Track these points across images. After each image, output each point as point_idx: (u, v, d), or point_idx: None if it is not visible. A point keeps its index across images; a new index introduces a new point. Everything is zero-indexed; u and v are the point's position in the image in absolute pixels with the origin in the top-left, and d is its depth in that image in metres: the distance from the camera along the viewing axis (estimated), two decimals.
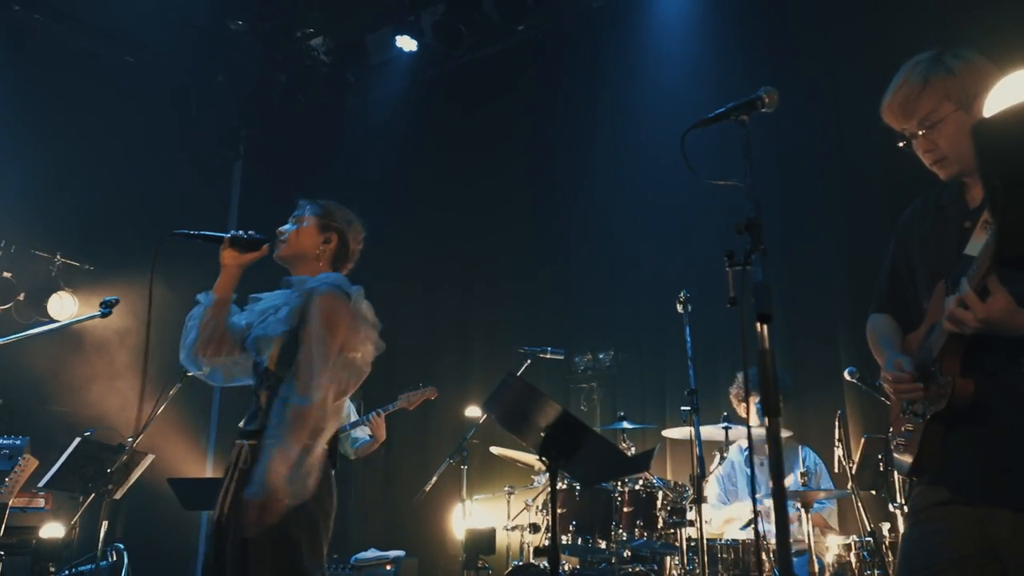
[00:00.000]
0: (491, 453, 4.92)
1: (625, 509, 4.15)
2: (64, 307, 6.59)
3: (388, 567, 5.27)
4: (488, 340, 6.50)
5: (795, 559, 3.99)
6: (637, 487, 4.18)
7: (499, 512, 5.11)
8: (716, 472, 4.65)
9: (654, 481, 4.21)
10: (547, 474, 4.53)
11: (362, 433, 4.98)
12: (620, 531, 4.11)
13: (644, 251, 5.98)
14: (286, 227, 2.83)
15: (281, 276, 2.82)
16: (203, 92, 7.61)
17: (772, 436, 1.33)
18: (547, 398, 1.97)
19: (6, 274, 6.53)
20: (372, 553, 5.35)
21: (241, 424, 2.67)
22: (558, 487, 2.18)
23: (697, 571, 3.71)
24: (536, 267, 6.52)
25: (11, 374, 6.20)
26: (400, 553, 5.41)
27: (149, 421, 5.18)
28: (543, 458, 2.02)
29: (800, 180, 5.40)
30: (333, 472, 2.57)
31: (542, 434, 2.01)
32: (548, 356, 5.00)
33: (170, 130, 7.29)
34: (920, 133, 2.03)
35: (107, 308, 3.03)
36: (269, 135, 8.05)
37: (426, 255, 7.03)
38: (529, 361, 4.92)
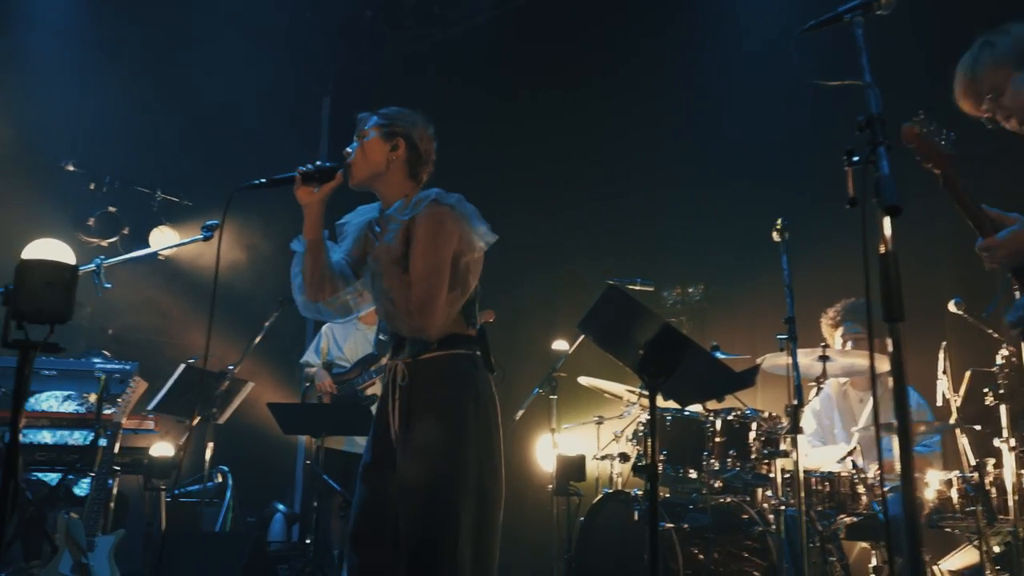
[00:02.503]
0: (579, 384, 4.92)
1: (717, 439, 4.10)
2: (165, 241, 6.84)
3: None
4: (575, 273, 6.47)
5: (891, 496, 3.91)
6: (730, 417, 4.12)
7: (588, 442, 5.14)
8: (811, 405, 4.56)
9: (747, 411, 4.15)
10: (636, 406, 4.60)
11: None
12: (712, 461, 4.07)
13: (736, 182, 5.84)
14: (351, 147, 2.70)
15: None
16: (292, 29, 7.68)
17: (895, 342, 1.28)
18: (648, 310, 1.94)
19: (111, 209, 6.80)
20: None
21: (389, 353, 2.69)
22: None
23: (791, 502, 3.67)
24: (625, 200, 6.43)
25: (117, 305, 6.50)
26: None
27: (247, 350, 5.38)
28: (643, 375, 2.00)
29: (900, 95, 5.11)
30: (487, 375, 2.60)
31: (641, 351, 1.99)
32: (638, 287, 4.92)
33: (261, 67, 7.39)
34: (992, 107, 2.24)
35: (209, 231, 3.11)
36: (357, 71, 8.09)
37: (512, 188, 7.00)
38: None
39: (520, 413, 5.22)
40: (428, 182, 2.76)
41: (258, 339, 5.29)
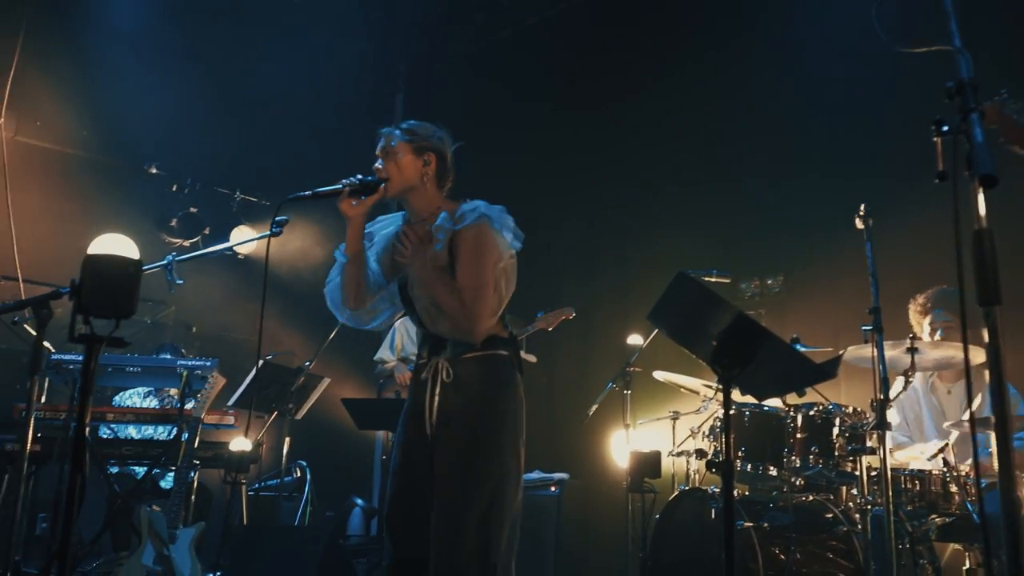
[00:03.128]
0: (654, 379, 4.82)
1: (798, 435, 3.95)
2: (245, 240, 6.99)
3: (553, 488, 5.32)
4: (649, 267, 6.34)
5: (987, 494, 3.70)
6: (811, 412, 3.96)
7: (663, 438, 5.03)
8: (899, 398, 4.35)
9: (829, 406, 3.99)
10: (712, 401, 4.47)
11: None
12: (793, 458, 3.92)
13: (815, 168, 5.64)
14: (380, 164, 2.79)
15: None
16: (364, 28, 7.74)
17: (991, 328, 1.16)
18: (720, 298, 1.84)
19: (192, 209, 6.98)
20: (537, 475, 5.41)
21: (425, 353, 2.78)
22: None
23: (879, 502, 3.50)
24: (701, 190, 6.27)
25: (199, 304, 6.66)
26: (564, 475, 5.44)
27: (322, 347, 5.44)
28: (716, 367, 1.91)
29: (992, 65, 4.84)
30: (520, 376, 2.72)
31: (714, 342, 1.89)
32: (714, 279, 4.81)
33: (334, 67, 7.47)
34: None
35: (278, 227, 3.13)
36: (429, 68, 8.11)
37: (586, 180, 6.92)
38: None
39: (593, 408, 5.15)
40: (452, 188, 2.90)
41: (332, 335, 5.33)
